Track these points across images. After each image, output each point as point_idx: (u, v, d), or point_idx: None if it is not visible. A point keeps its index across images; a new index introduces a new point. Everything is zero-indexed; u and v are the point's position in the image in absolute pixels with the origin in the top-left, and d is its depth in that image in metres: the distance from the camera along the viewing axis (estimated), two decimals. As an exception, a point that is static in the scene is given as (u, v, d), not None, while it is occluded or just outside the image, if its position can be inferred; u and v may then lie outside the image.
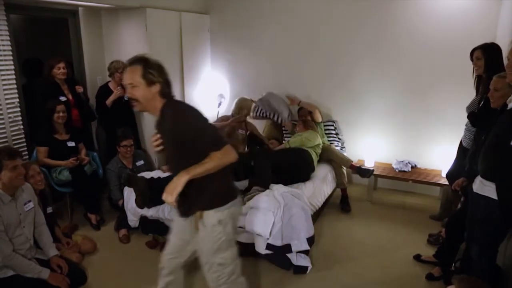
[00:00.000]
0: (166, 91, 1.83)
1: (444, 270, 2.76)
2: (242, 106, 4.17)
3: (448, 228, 2.78)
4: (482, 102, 2.72)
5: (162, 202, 3.17)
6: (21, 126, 3.52)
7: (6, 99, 3.37)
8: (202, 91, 5.10)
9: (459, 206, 3.06)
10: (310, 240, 2.90)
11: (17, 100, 3.46)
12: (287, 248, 2.83)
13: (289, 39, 4.69)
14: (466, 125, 3.06)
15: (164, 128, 1.84)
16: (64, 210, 3.70)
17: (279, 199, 2.96)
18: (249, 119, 4.38)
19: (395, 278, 2.83)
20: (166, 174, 3.53)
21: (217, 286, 1.97)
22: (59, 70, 3.67)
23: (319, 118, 4.32)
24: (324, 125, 4.52)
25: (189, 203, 1.91)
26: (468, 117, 2.86)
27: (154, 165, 4.33)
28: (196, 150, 1.75)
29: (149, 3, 4.07)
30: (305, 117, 4.33)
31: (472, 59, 2.90)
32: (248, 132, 4.30)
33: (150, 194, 3.11)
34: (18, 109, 3.48)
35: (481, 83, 2.86)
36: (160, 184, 3.23)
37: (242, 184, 3.36)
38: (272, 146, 4.23)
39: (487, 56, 2.77)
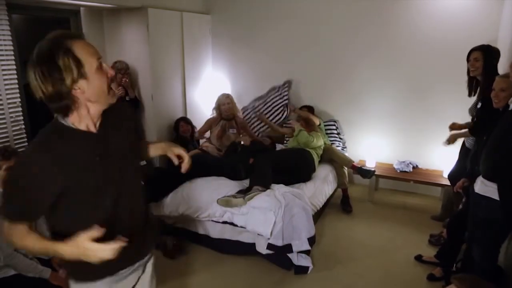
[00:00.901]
0: None
1: (446, 270, 2.76)
2: (220, 103, 4.14)
3: (450, 228, 2.78)
4: (480, 104, 2.71)
5: (168, 193, 3.18)
6: (23, 126, 3.53)
7: (8, 98, 3.37)
8: (203, 91, 5.10)
9: (460, 206, 3.06)
10: (311, 240, 2.90)
11: (19, 99, 3.47)
12: (288, 248, 2.83)
13: (290, 38, 4.69)
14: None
15: (122, 130, 1.37)
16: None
17: (280, 199, 2.96)
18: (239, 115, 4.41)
19: (396, 279, 2.83)
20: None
21: None
22: None
23: (317, 122, 4.26)
24: (326, 125, 4.51)
25: (144, 239, 1.44)
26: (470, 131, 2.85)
27: (155, 163, 4.33)
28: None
29: (150, 3, 4.08)
30: (307, 116, 4.35)
31: (468, 60, 2.87)
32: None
33: (160, 185, 3.14)
34: (20, 108, 3.48)
35: (479, 84, 2.85)
36: (171, 171, 3.24)
37: (243, 184, 3.36)
38: (265, 143, 4.23)
39: (485, 57, 2.75)
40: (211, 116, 4.39)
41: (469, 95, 3.00)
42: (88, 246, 1.09)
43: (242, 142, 4.04)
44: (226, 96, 4.18)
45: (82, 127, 1.23)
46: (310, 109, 4.47)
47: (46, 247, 1.17)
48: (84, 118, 1.22)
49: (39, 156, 1.15)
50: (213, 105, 4.30)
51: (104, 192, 1.25)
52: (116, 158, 1.29)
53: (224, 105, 4.11)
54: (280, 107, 4.74)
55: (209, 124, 4.24)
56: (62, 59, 1.11)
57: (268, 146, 4.21)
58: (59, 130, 1.21)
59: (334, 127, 4.55)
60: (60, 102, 1.15)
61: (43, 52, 1.13)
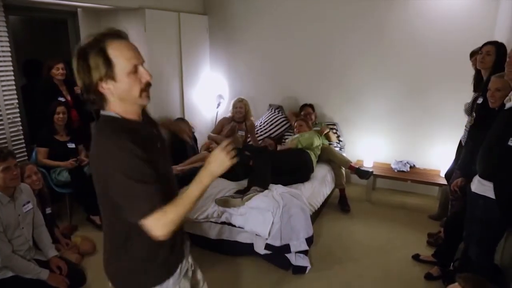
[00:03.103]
0: None
1: (443, 269, 2.77)
2: (233, 106, 4.41)
3: (447, 227, 2.79)
4: (480, 100, 2.68)
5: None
6: (20, 127, 3.52)
7: (5, 100, 3.37)
8: (201, 91, 5.10)
9: (452, 209, 3.07)
10: (309, 240, 2.90)
11: (16, 101, 3.46)
12: (286, 248, 2.84)
13: (287, 39, 4.70)
14: (466, 126, 3.07)
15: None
16: (64, 211, 3.70)
17: (278, 199, 2.96)
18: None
19: (394, 278, 2.84)
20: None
21: None
22: (58, 71, 3.68)
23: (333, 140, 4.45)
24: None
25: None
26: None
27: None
28: None
29: (148, 4, 4.08)
30: (308, 116, 4.37)
31: (480, 53, 2.76)
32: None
33: None
34: (17, 110, 3.48)
35: (485, 80, 2.80)
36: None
37: (241, 184, 3.37)
38: (270, 148, 4.25)
39: (498, 53, 2.66)
40: (224, 117, 4.65)
41: (474, 90, 2.95)
42: (217, 156, 1.30)
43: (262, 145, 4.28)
44: (240, 101, 4.44)
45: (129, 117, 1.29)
46: (311, 106, 4.51)
47: (188, 195, 1.29)
48: (127, 111, 1.27)
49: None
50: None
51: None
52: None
53: (236, 109, 4.37)
54: (280, 122, 4.73)
55: (222, 124, 4.50)
56: (93, 58, 1.18)
57: (271, 150, 4.24)
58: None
59: (334, 130, 4.56)
60: (88, 95, 1.24)
61: (81, 48, 1.20)
